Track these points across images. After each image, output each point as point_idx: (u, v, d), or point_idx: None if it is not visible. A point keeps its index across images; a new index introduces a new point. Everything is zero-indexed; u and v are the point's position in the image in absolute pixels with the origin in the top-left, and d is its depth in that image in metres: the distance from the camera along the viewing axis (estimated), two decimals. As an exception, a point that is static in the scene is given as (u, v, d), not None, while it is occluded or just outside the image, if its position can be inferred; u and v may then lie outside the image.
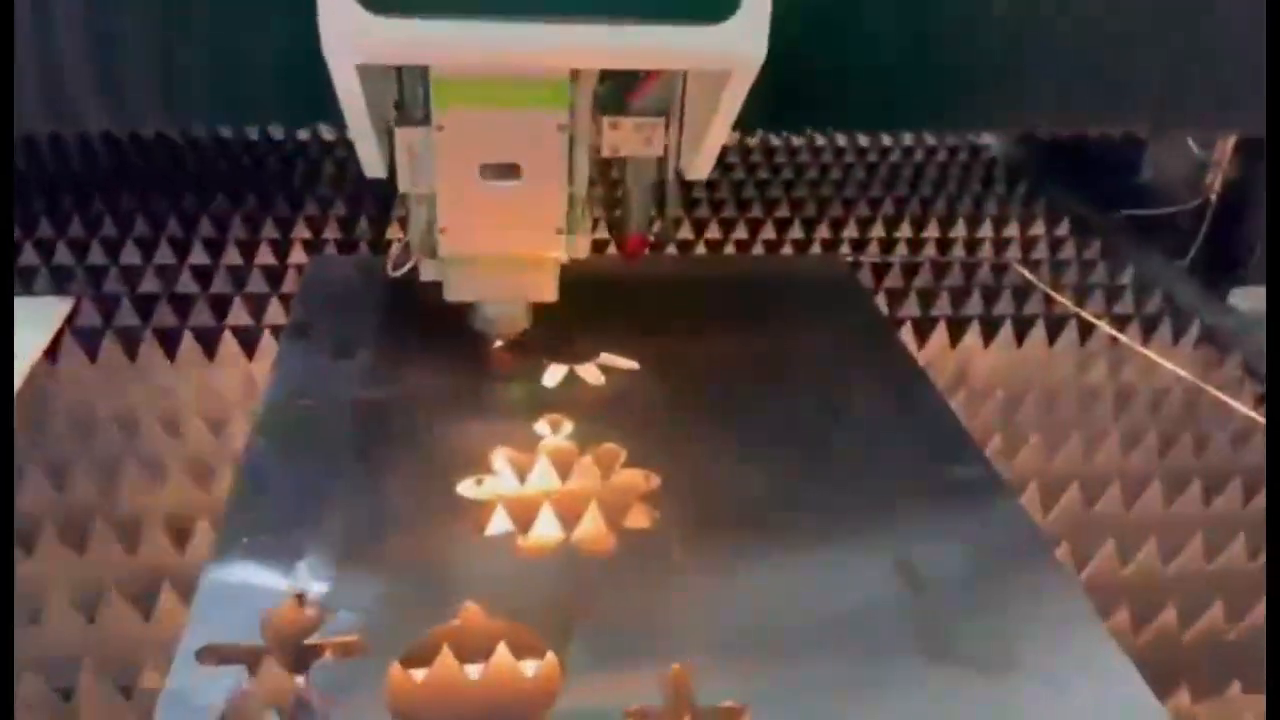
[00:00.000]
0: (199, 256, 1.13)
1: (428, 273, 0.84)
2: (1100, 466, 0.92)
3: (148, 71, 0.92)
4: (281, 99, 0.95)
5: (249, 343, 0.99)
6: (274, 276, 1.11)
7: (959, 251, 1.30)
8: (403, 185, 0.77)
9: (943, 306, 1.17)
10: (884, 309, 1.15)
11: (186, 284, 1.09)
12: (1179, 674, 0.71)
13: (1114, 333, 1.11)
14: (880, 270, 1.23)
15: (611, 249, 0.92)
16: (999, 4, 1.03)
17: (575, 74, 0.74)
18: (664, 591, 0.69)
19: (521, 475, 0.79)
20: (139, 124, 0.96)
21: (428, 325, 0.95)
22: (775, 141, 1.54)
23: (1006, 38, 1.06)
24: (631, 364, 0.92)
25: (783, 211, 1.35)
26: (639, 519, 0.75)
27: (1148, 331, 1.14)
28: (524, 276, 0.84)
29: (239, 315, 1.04)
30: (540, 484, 0.78)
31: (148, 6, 0.89)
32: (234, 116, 0.97)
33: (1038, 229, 1.36)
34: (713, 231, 1.29)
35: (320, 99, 0.93)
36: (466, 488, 0.77)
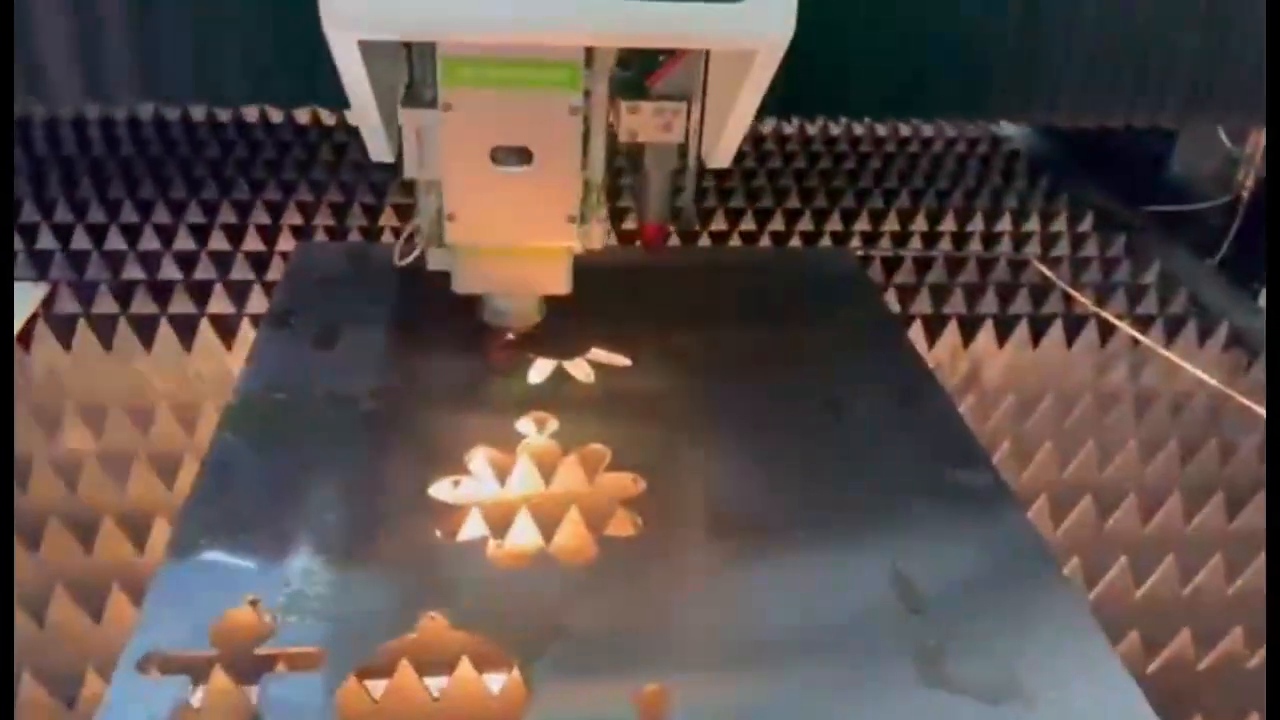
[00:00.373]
0: (185, 242, 1.10)
1: (435, 262, 0.81)
2: (1116, 477, 0.87)
3: (126, 49, 0.89)
4: (269, 80, 0.92)
5: (228, 332, 0.96)
6: (260, 263, 1.07)
7: (975, 246, 1.25)
8: (409, 170, 0.74)
9: (956, 304, 1.12)
10: (894, 305, 1.11)
11: (169, 270, 1.05)
12: (1193, 704, 0.67)
13: (1135, 334, 1.06)
14: (892, 265, 1.18)
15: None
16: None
17: (591, 55, 0.71)
18: (642, 605, 0.65)
19: (501, 477, 0.75)
20: (116, 103, 0.93)
21: (415, 316, 0.91)
22: (788, 129, 1.50)
23: (1029, 25, 1.02)
24: (624, 360, 0.88)
25: (793, 202, 1.30)
26: (622, 526, 0.71)
27: (1172, 333, 1.08)
28: (535, 268, 0.80)
29: (220, 303, 1.00)
30: (520, 487, 0.75)
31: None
32: (216, 98, 0.94)
33: (1059, 224, 1.31)
34: (718, 222, 1.25)
35: (311, 80, 0.91)
36: (441, 490, 0.73)
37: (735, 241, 1.23)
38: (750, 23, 0.60)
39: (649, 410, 0.83)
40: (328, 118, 1.41)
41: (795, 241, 1.24)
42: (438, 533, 0.69)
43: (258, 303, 1.01)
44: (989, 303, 1.12)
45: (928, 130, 1.54)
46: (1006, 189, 1.39)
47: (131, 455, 0.79)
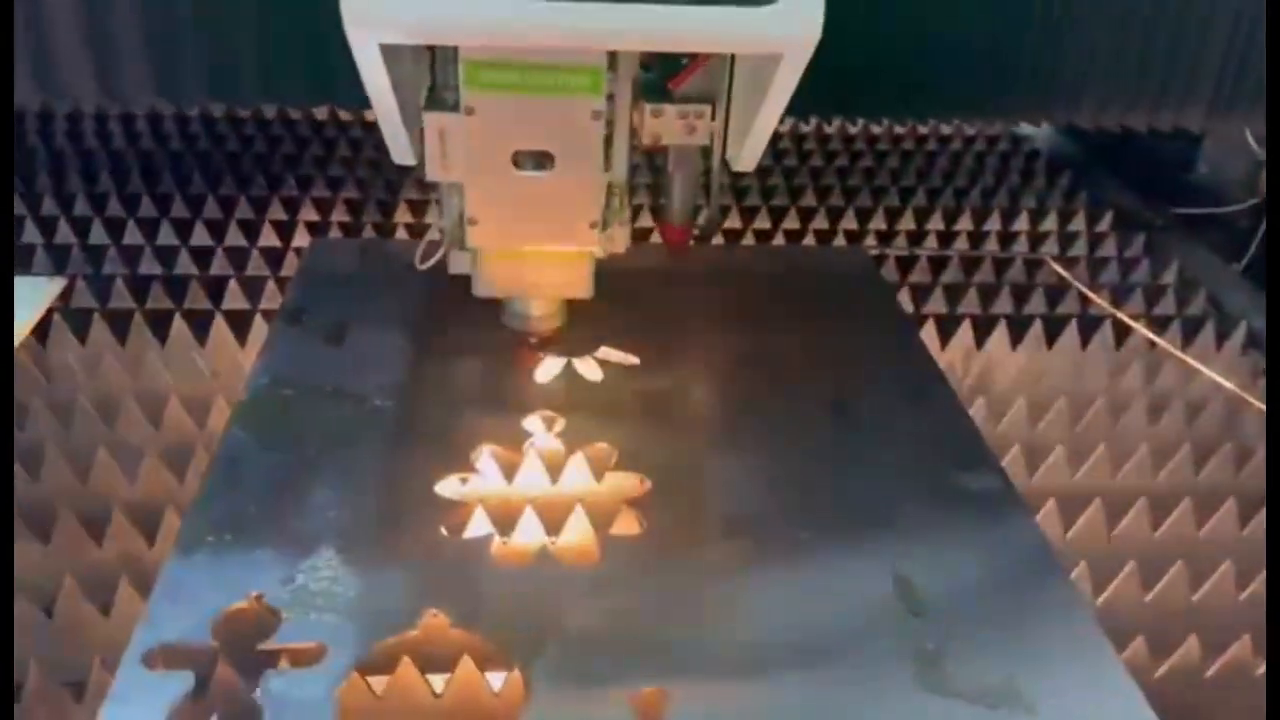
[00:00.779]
0: (201, 238, 1.11)
1: (457, 266, 0.80)
2: (1127, 481, 0.86)
3: (141, 47, 0.90)
4: (283, 80, 0.93)
5: (242, 327, 0.96)
6: (275, 259, 1.08)
7: (991, 246, 1.24)
8: (431, 173, 0.73)
9: (970, 304, 1.11)
10: (908, 305, 1.10)
11: (185, 266, 1.06)
12: (1199, 712, 0.66)
13: (1151, 335, 1.05)
14: (906, 264, 1.18)
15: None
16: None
17: (614, 58, 0.70)
18: (645, 605, 0.65)
19: (507, 475, 0.75)
20: (132, 102, 0.94)
21: (427, 314, 0.92)
22: (805, 128, 1.49)
23: (1050, 25, 1.01)
24: (632, 359, 0.88)
25: (808, 200, 1.30)
26: (627, 525, 0.71)
27: (1189, 335, 1.07)
28: (557, 272, 0.80)
29: (235, 298, 1.01)
30: (526, 485, 0.75)
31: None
32: (231, 97, 0.94)
33: (1078, 224, 1.30)
34: (733, 220, 1.24)
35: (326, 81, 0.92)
36: (447, 487, 0.73)
37: (749, 240, 1.22)
38: (778, 26, 0.59)
39: (656, 410, 0.83)
40: (345, 114, 1.42)
41: (809, 240, 1.23)
42: (443, 530, 0.69)
43: (272, 299, 1.01)
44: (1003, 303, 1.12)
45: (946, 129, 1.53)
46: (1025, 188, 1.38)
47: (143, 449, 0.80)
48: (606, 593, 0.66)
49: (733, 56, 0.73)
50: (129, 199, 1.17)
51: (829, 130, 1.50)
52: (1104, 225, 1.30)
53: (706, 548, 0.70)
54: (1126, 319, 1.07)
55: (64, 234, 1.10)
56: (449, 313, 0.88)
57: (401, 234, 1.17)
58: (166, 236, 1.11)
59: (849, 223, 1.26)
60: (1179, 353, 1.03)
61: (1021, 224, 1.29)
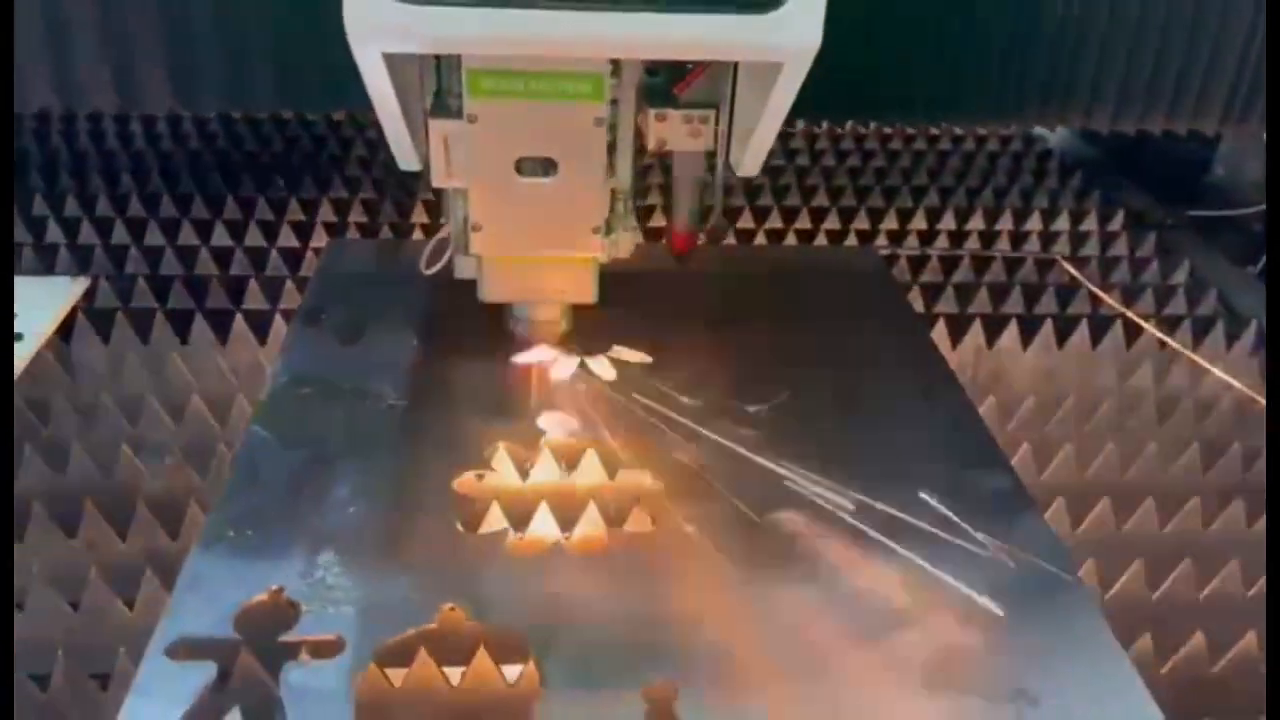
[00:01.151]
0: (221, 238, 1.13)
1: (463, 271, 0.81)
2: (1136, 479, 0.87)
3: (158, 58, 0.92)
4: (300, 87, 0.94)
5: (262, 326, 0.98)
6: (294, 260, 1.10)
7: (1003, 246, 1.24)
8: (436, 179, 0.74)
9: (981, 304, 1.12)
10: (919, 305, 1.11)
11: (206, 266, 1.08)
12: (1205, 707, 0.67)
13: (1161, 335, 1.05)
14: (917, 264, 1.18)
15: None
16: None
17: (618, 64, 0.71)
18: (657, 601, 0.66)
19: (522, 472, 0.77)
20: (149, 106, 0.96)
21: (441, 313, 0.93)
22: (817, 128, 1.50)
23: (1068, 29, 1.02)
24: (644, 358, 0.89)
25: (820, 200, 1.30)
26: (639, 522, 0.72)
27: (1199, 335, 1.07)
28: (561, 278, 0.81)
29: (254, 298, 1.03)
30: (540, 482, 0.76)
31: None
32: (249, 106, 0.96)
33: (1089, 224, 1.30)
34: (745, 220, 1.25)
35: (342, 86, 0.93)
36: (464, 483, 0.75)
37: (761, 239, 1.23)
38: (778, 33, 0.60)
39: (668, 408, 0.84)
40: (362, 115, 1.43)
41: (822, 240, 1.24)
42: (459, 526, 0.71)
43: (291, 298, 1.03)
44: (1015, 302, 1.12)
45: (958, 129, 1.53)
46: (1037, 188, 1.38)
47: (166, 445, 0.81)
48: (619, 588, 0.67)
49: (735, 63, 0.74)
50: (150, 199, 1.19)
51: (841, 130, 1.51)
52: (1115, 225, 1.31)
53: (718, 545, 0.71)
54: (1136, 318, 1.08)
55: (87, 234, 1.12)
56: (464, 312, 0.89)
57: (418, 235, 1.18)
58: (187, 237, 1.13)
59: (861, 222, 1.27)
60: (1189, 352, 1.03)
61: (1033, 224, 1.29)
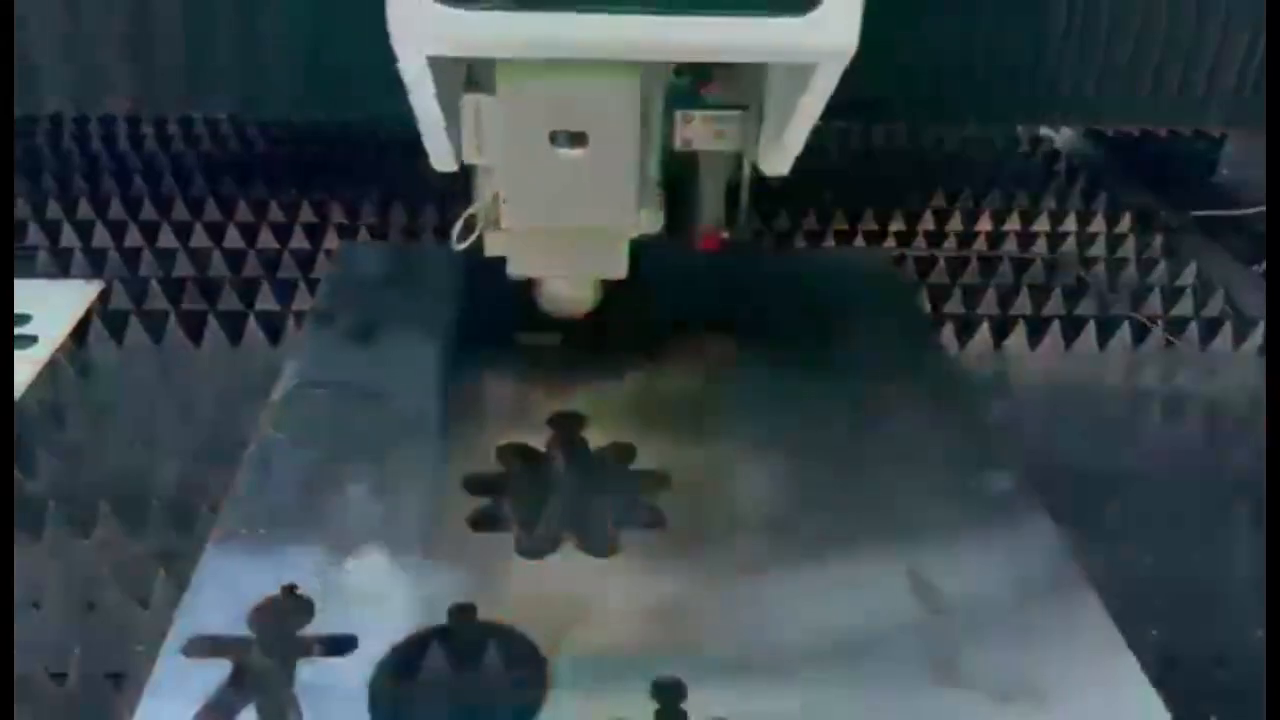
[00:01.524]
0: (234, 240, 1.13)
1: (493, 247, 0.81)
2: (1144, 480, 0.86)
3: (175, 61, 0.93)
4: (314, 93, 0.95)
5: (274, 328, 0.99)
6: (306, 261, 1.10)
7: (1010, 247, 1.24)
8: (467, 155, 0.74)
9: (989, 305, 1.12)
10: (927, 306, 1.11)
11: (219, 268, 1.09)
12: (1212, 707, 0.67)
13: (1169, 336, 1.06)
14: (926, 265, 1.19)
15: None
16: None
17: (649, 65, 0.71)
18: (664, 599, 0.67)
19: (531, 472, 0.77)
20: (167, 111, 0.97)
21: (452, 314, 0.94)
22: (824, 129, 1.50)
23: (1072, 30, 1.02)
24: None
25: (829, 201, 1.31)
26: (648, 521, 0.73)
27: (1206, 336, 1.08)
28: (592, 250, 0.80)
29: (266, 300, 1.03)
30: (550, 481, 0.77)
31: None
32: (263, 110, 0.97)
33: (1097, 225, 1.30)
34: (753, 221, 1.26)
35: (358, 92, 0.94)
36: (473, 483, 0.75)
37: (771, 240, 1.23)
38: (815, 35, 0.60)
39: (676, 409, 0.84)
40: (374, 117, 1.43)
41: (829, 241, 1.24)
42: (469, 524, 0.71)
43: (303, 300, 1.03)
44: (1023, 303, 1.12)
45: (965, 130, 1.53)
46: (1044, 190, 1.39)
47: (179, 447, 0.82)
48: (628, 587, 0.68)
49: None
50: (162, 202, 1.20)
51: (849, 132, 1.51)
52: (1122, 227, 1.31)
53: (726, 544, 0.71)
54: (1143, 319, 1.08)
55: (101, 237, 1.13)
56: (473, 313, 0.90)
57: (429, 236, 1.19)
58: (200, 239, 1.13)
59: (869, 224, 1.27)
60: (1196, 353, 1.03)
61: (1040, 225, 1.29)
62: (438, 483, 0.75)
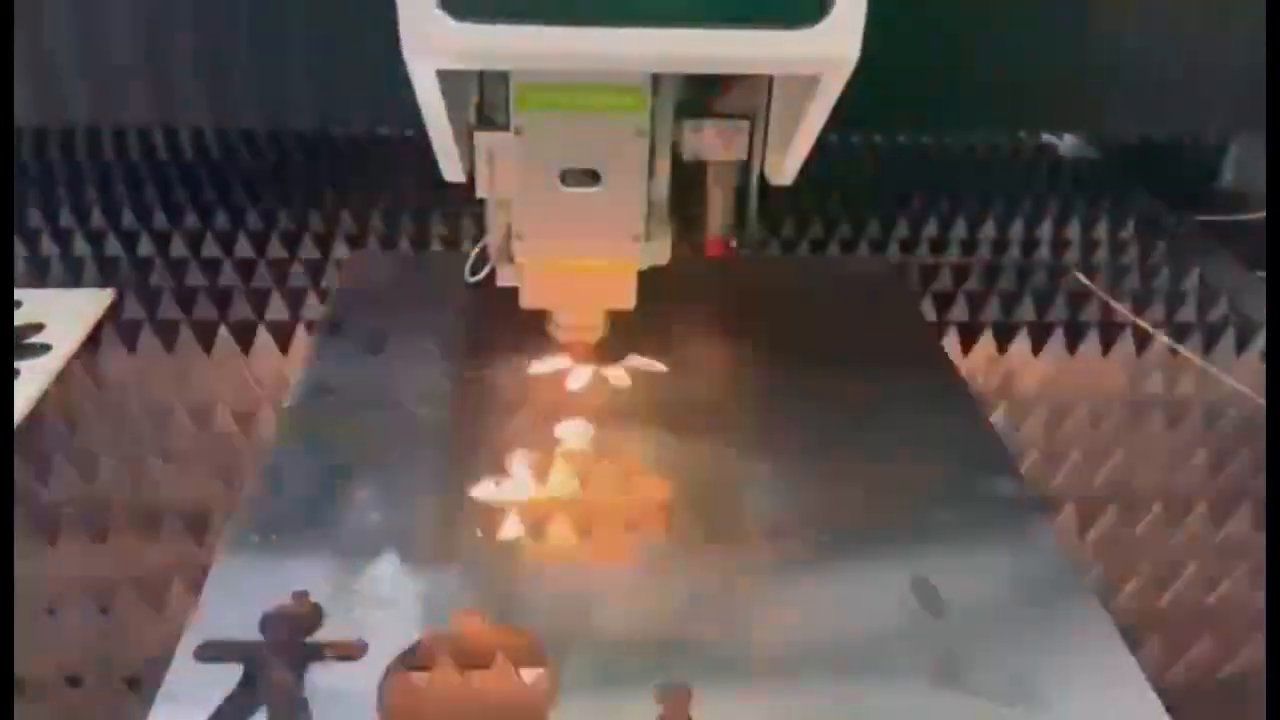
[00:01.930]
0: (244, 250, 1.15)
1: (504, 279, 0.83)
2: (1145, 486, 0.87)
3: (195, 73, 0.94)
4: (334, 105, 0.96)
5: (285, 337, 1.00)
6: (316, 271, 1.12)
7: (1014, 253, 1.25)
8: (481, 189, 0.76)
9: (992, 312, 1.13)
10: (930, 313, 1.12)
11: (230, 277, 1.10)
12: (1213, 713, 0.68)
13: (1172, 343, 1.06)
14: (929, 272, 1.19)
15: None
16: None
17: (657, 78, 0.73)
18: (672, 607, 0.67)
19: (539, 480, 0.78)
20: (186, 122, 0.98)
21: (461, 324, 0.95)
22: (831, 137, 1.50)
23: (1074, 37, 1.02)
24: (659, 366, 0.90)
25: (833, 209, 1.32)
26: (654, 530, 0.74)
27: (1209, 342, 1.08)
28: (601, 284, 0.82)
29: (277, 309, 1.04)
30: (557, 490, 0.78)
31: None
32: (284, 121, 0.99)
33: (1100, 231, 1.31)
34: (761, 231, 1.26)
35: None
36: (482, 491, 0.76)
37: (774, 248, 1.24)
38: (817, 47, 0.61)
39: (682, 417, 0.85)
40: (382, 128, 1.45)
41: (834, 248, 1.25)
42: (478, 532, 0.72)
43: (313, 309, 1.05)
44: (1026, 310, 1.13)
45: (969, 137, 1.54)
46: (1048, 196, 1.39)
47: (192, 454, 0.83)
48: (634, 594, 0.68)
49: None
50: (174, 211, 1.21)
51: (853, 138, 1.52)
52: (1127, 232, 1.31)
53: (731, 551, 0.72)
54: (1147, 326, 1.09)
55: (113, 247, 1.14)
56: (482, 322, 0.91)
57: (437, 246, 1.20)
58: (210, 249, 1.15)
59: (873, 231, 1.28)
60: (1199, 359, 1.04)
61: (1045, 231, 1.30)
62: (447, 489, 0.76)
